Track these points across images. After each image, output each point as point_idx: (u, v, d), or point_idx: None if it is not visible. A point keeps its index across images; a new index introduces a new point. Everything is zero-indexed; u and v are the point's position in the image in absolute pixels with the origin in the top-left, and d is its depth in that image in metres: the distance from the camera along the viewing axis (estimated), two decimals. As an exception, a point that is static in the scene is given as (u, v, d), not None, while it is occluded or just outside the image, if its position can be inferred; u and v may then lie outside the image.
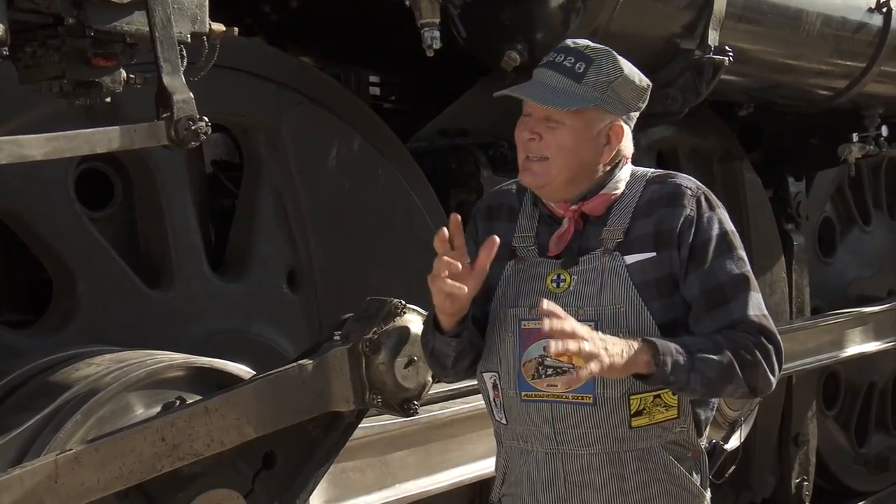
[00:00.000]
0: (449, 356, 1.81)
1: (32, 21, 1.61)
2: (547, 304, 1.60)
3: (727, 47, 3.10)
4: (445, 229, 1.67)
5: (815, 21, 3.47)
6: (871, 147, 4.10)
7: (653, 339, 1.66)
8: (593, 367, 1.57)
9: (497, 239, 1.70)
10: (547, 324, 1.57)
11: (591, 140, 1.74)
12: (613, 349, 1.60)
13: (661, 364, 1.63)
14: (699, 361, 1.66)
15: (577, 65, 1.72)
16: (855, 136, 4.05)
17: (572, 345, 1.56)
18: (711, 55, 3.05)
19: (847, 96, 3.87)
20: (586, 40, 1.78)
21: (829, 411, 4.60)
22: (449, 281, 1.65)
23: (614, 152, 1.78)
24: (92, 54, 1.65)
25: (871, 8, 3.71)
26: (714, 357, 1.66)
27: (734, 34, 3.17)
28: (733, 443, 2.99)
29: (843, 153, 4.06)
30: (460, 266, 1.66)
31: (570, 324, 1.58)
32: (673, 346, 1.66)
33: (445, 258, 1.65)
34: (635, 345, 1.63)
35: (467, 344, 1.80)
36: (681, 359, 1.65)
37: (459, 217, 1.69)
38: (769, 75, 3.59)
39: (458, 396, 2.52)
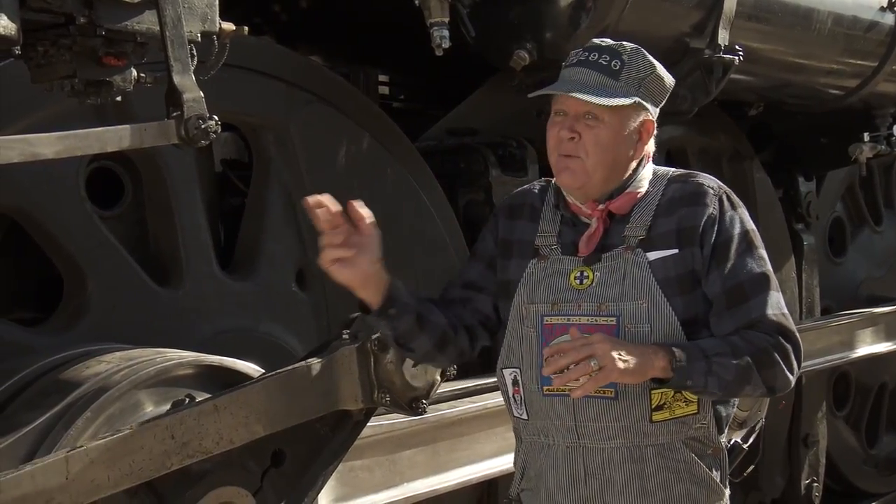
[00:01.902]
0: (388, 335, 1.82)
1: (44, 20, 1.62)
2: (547, 349, 1.64)
3: (737, 46, 3.09)
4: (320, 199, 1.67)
5: (826, 20, 3.45)
6: (883, 147, 4.07)
7: (670, 343, 1.67)
8: (603, 377, 1.60)
9: (349, 204, 1.70)
10: (549, 364, 1.61)
11: (627, 137, 1.76)
12: (628, 356, 1.62)
13: (678, 369, 1.65)
14: (716, 365, 1.67)
15: (613, 62, 1.73)
16: (866, 136, 4.03)
17: (574, 373, 1.60)
18: (721, 54, 3.05)
19: (858, 95, 3.85)
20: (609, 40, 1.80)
21: (840, 412, 4.57)
22: (332, 248, 1.67)
23: (642, 152, 1.79)
24: (103, 53, 1.66)
25: (882, 7, 3.69)
26: (732, 360, 1.68)
27: (744, 33, 3.15)
28: (737, 438, 2.98)
29: (853, 153, 4.04)
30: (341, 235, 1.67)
31: (578, 344, 1.61)
32: (690, 350, 1.67)
33: (328, 229, 1.67)
34: (652, 351, 1.65)
35: (411, 324, 1.78)
36: (698, 364, 1.66)
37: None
38: (779, 75, 3.57)
39: (467, 395, 2.52)
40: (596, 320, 1.72)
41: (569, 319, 1.74)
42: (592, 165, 1.74)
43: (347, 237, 1.70)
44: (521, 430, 1.85)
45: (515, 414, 1.83)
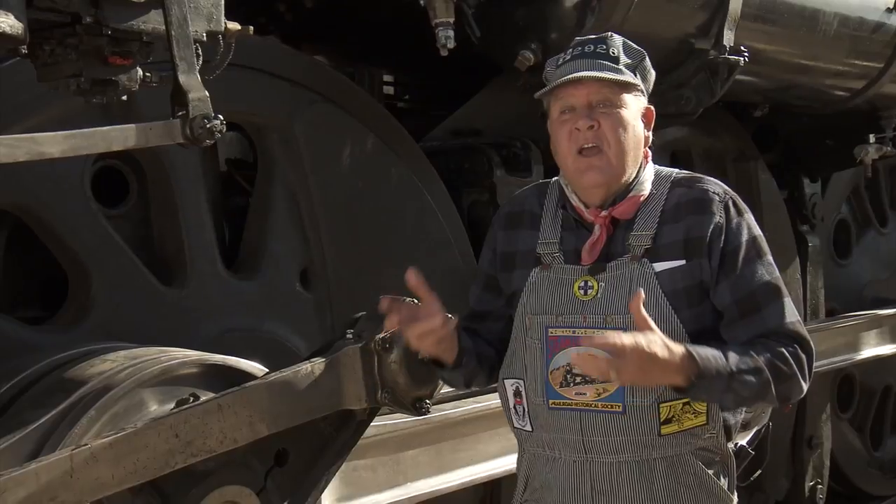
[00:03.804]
0: (460, 381, 1.86)
1: (51, 20, 1.63)
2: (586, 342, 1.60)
3: (742, 47, 3.08)
4: (387, 301, 1.72)
5: (832, 21, 3.44)
6: (888, 148, 4.07)
7: (697, 354, 1.61)
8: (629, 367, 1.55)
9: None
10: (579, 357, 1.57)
11: (638, 123, 1.74)
12: (646, 377, 1.59)
13: (694, 387, 1.62)
14: (736, 382, 1.64)
15: (610, 49, 1.72)
16: (872, 137, 4.02)
17: (593, 363, 1.56)
18: (726, 55, 3.04)
19: (864, 97, 3.84)
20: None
21: (844, 414, 4.56)
22: (433, 332, 1.70)
23: (650, 140, 1.78)
24: (109, 53, 1.66)
25: (889, 8, 3.68)
26: (752, 378, 1.64)
27: (750, 34, 3.15)
28: (743, 442, 2.98)
29: (859, 154, 4.03)
30: (438, 321, 1.70)
31: (605, 367, 1.56)
32: (713, 364, 1.62)
33: (424, 324, 1.70)
34: (677, 357, 1.59)
35: (475, 365, 1.82)
36: (718, 382, 1.63)
37: (417, 277, 1.71)
38: (785, 76, 3.57)
39: (470, 396, 2.52)
40: (602, 333, 1.67)
41: (574, 332, 1.70)
42: (616, 153, 1.71)
43: (415, 313, 1.72)
44: (523, 440, 1.82)
45: (516, 425, 1.81)
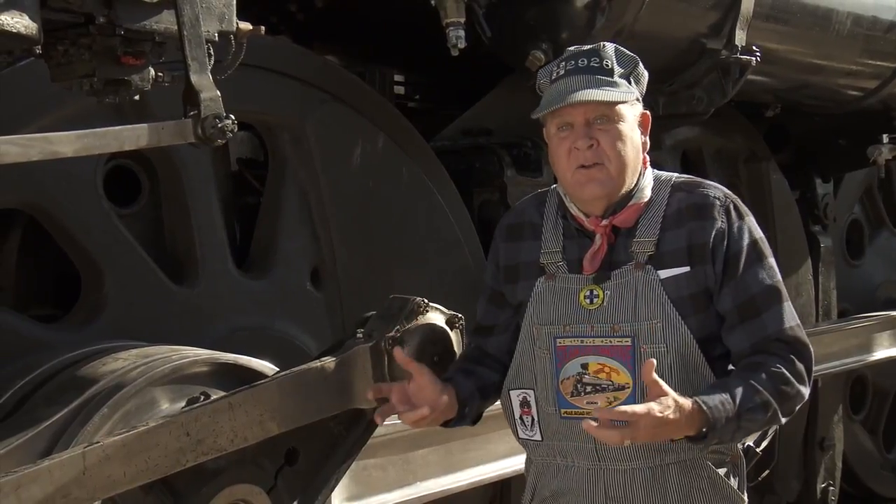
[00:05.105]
0: (468, 424, 1.88)
1: (64, 20, 1.64)
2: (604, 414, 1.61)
3: (754, 47, 3.07)
4: (374, 389, 1.79)
5: (846, 20, 3.43)
6: (902, 148, 4.04)
7: (706, 406, 1.62)
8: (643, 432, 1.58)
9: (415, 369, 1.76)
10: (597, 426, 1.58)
11: (636, 132, 1.74)
12: (658, 435, 1.60)
13: (707, 438, 1.63)
14: (745, 421, 1.66)
15: (604, 62, 1.72)
16: (885, 137, 4.00)
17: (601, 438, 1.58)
18: (738, 55, 3.03)
19: (877, 97, 3.82)
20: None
21: (857, 416, 4.54)
22: (426, 418, 1.74)
23: (647, 145, 1.77)
24: (122, 53, 1.67)
25: (903, 7, 3.66)
26: (759, 415, 1.67)
27: (762, 34, 3.14)
28: (750, 442, 2.98)
29: (872, 154, 4.01)
30: (425, 411, 1.73)
31: (622, 436, 1.58)
32: (722, 413, 1.62)
33: (416, 414, 1.73)
34: (685, 421, 1.60)
35: (479, 403, 1.84)
36: (728, 426, 1.64)
37: (404, 355, 1.77)
38: (797, 76, 3.55)
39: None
40: (610, 342, 1.69)
41: (582, 341, 1.71)
42: (617, 168, 1.71)
43: (405, 394, 1.76)
44: (531, 451, 1.82)
45: (522, 436, 1.81)
